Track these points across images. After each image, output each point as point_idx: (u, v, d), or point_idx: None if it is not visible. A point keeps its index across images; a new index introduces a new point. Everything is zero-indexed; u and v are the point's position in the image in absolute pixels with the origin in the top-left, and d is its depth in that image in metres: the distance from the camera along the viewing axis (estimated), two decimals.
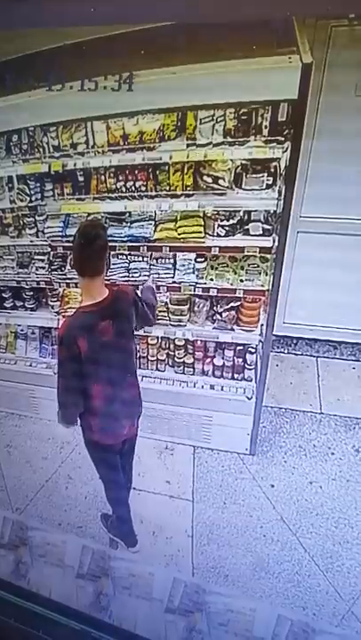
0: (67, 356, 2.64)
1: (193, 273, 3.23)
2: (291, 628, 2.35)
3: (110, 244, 3.27)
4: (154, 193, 3.09)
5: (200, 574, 3.10)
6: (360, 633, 2.83)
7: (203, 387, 3.55)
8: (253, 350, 3.42)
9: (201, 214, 3.11)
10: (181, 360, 3.57)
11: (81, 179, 3.19)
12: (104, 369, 2.67)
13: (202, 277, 3.23)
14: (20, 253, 3.60)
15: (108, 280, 3.34)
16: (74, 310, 2.89)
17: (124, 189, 3.12)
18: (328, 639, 2.44)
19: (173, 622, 2.40)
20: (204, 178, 2.99)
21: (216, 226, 3.07)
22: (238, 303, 3.30)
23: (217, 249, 3.12)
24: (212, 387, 3.54)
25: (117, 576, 2.48)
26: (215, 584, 3.01)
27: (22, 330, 3.87)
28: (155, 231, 3.20)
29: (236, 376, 3.51)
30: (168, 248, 3.21)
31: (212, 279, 3.22)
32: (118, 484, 3.09)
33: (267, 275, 3.12)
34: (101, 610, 2.53)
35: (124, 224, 3.26)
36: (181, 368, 3.59)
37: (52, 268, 3.51)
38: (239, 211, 3.03)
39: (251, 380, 3.48)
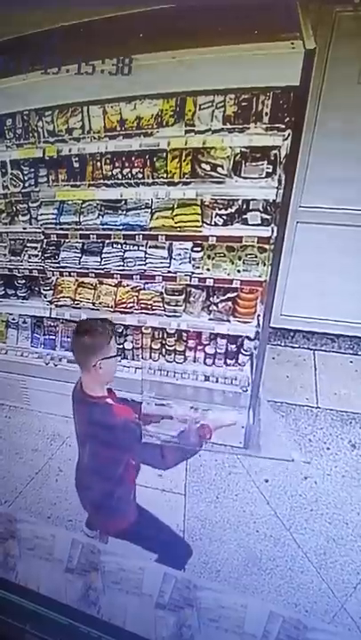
0: None
1: (189, 262, 3.19)
2: (283, 624, 2.30)
3: (105, 232, 3.23)
4: (151, 180, 3.03)
5: (191, 570, 3.06)
6: (353, 630, 2.83)
7: (197, 378, 3.51)
8: (249, 342, 3.38)
9: (198, 202, 3.06)
10: (174, 350, 3.53)
11: (76, 165, 3.12)
12: (79, 442, 2.72)
13: (198, 267, 3.19)
14: (12, 241, 3.53)
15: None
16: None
17: (120, 176, 3.06)
18: (320, 636, 2.40)
19: (163, 618, 2.35)
20: (203, 165, 2.93)
21: (214, 214, 3.02)
22: (235, 294, 3.26)
23: (214, 238, 3.06)
24: (206, 378, 3.50)
25: (107, 570, 2.43)
26: (207, 580, 2.97)
27: (14, 319, 3.82)
28: (151, 219, 3.14)
29: (231, 368, 3.48)
30: (164, 237, 3.15)
31: (208, 269, 3.18)
32: None
33: (264, 265, 3.08)
34: (90, 605, 2.48)
35: (120, 212, 3.21)
36: (175, 359, 3.54)
37: (46, 256, 3.45)
38: (238, 199, 2.98)
39: (246, 373, 3.44)
